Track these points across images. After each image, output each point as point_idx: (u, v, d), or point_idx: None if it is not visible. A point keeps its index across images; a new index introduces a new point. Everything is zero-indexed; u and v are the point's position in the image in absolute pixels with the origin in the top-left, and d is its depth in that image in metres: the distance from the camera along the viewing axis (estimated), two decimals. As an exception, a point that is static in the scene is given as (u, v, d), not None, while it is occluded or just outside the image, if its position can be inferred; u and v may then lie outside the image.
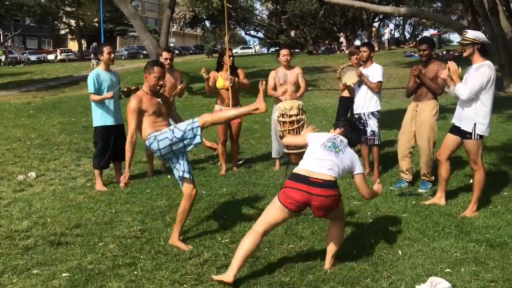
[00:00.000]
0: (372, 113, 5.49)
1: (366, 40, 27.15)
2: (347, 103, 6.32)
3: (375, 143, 5.50)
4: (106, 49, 5.50)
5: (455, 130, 4.33)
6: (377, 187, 3.39)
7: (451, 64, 4.24)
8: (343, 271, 3.19)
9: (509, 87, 12.37)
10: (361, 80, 5.41)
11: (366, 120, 5.52)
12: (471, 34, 4.14)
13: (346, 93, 6.24)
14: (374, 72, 5.45)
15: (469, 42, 4.13)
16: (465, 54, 4.21)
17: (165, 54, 5.90)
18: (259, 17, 40.80)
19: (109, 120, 5.50)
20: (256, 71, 18.74)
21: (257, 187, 5.19)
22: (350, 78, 5.48)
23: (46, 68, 27.61)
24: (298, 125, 5.60)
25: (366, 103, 5.51)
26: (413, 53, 23.03)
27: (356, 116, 5.63)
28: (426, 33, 46.19)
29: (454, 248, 3.51)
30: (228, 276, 2.97)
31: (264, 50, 50.36)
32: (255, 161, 6.66)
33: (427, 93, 4.97)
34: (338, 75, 5.60)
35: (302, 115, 5.68)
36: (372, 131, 5.48)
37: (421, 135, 4.98)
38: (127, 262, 3.38)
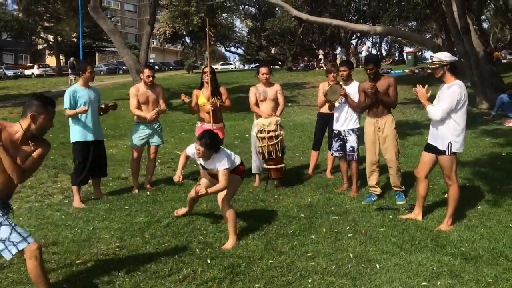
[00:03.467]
0: (352, 130, 5.60)
1: (344, 57, 27.73)
2: (325, 119, 6.42)
3: (354, 158, 5.59)
4: (89, 69, 5.50)
5: (430, 148, 4.45)
6: None
7: (419, 89, 4.39)
8: (322, 286, 3.21)
9: (482, 104, 12.75)
10: (345, 99, 5.52)
11: (345, 136, 5.62)
12: (437, 57, 4.31)
13: (324, 109, 6.34)
14: (354, 90, 5.56)
15: (437, 65, 4.29)
16: (437, 76, 4.36)
17: (146, 72, 5.91)
18: (239, 34, 41.19)
19: (89, 136, 5.46)
20: (236, 86, 18.86)
21: (237, 203, 5.20)
22: (334, 95, 5.58)
23: (23, 83, 27.19)
24: (277, 140, 5.69)
25: (346, 120, 5.61)
26: (389, 70, 23.59)
27: (336, 132, 5.72)
28: (405, 50, 47.34)
29: (430, 261, 3.58)
30: None
31: (242, 66, 50.71)
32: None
33: (383, 109, 5.18)
34: (324, 92, 5.68)
35: (280, 130, 5.77)
36: (351, 147, 5.58)
37: (388, 149, 5.16)
38: (105, 280, 3.33)
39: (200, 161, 4.10)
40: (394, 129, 5.19)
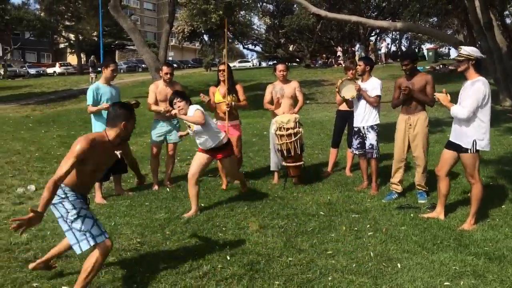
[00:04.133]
0: (371, 127, 5.54)
1: (363, 54, 27.44)
2: (344, 117, 6.38)
3: (374, 156, 5.54)
4: (111, 66, 5.60)
5: (451, 145, 4.38)
6: None
7: (439, 96, 4.34)
8: (343, 284, 3.20)
9: (505, 101, 12.47)
10: (360, 95, 5.47)
11: (365, 134, 5.56)
12: (466, 50, 4.21)
13: (343, 107, 6.29)
14: (372, 86, 5.51)
15: (464, 58, 4.19)
16: (459, 70, 4.28)
17: (165, 69, 5.96)
18: (257, 31, 41.11)
19: None
20: (253, 84, 18.86)
21: (256, 201, 5.20)
22: (348, 91, 5.54)
23: (45, 82, 27.73)
24: (296, 138, 5.67)
25: (365, 117, 5.56)
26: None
27: (355, 130, 5.67)
28: (423, 47, 46.63)
29: (453, 261, 3.52)
30: None
31: (263, 64, 50.67)
32: (253, 174, 6.69)
33: (417, 105, 5.08)
34: (337, 89, 5.66)
35: (299, 128, 5.75)
36: (371, 144, 5.52)
37: (418, 146, 5.07)
38: (126, 275, 3.38)
39: (189, 130, 4.84)
40: (426, 127, 5.09)
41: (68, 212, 3.02)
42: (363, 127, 5.57)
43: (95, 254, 2.98)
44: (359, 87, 5.42)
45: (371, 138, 5.52)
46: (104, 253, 3.00)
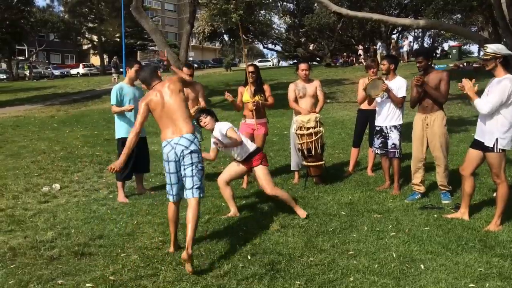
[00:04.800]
0: (395, 126, 5.46)
1: (385, 52, 27.10)
2: (366, 116, 6.31)
3: (396, 156, 5.46)
4: (135, 67, 5.64)
5: (477, 144, 4.28)
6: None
7: (465, 82, 4.21)
8: (364, 285, 3.16)
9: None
10: (388, 94, 5.39)
11: (388, 133, 5.49)
12: (492, 48, 4.10)
13: (364, 106, 6.22)
14: (398, 86, 5.43)
15: (490, 56, 4.09)
16: (488, 69, 4.17)
17: (185, 70, 6.00)
18: (277, 31, 41.07)
19: None
20: (274, 83, 18.85)
21: (276, 200, 5.19)
22: (375, 90, 5.46)
23: (69, 83, 28.28)
24: (316, 137, 5.63)
25: (388, 117, 5.48)
26: (432, 65, 22.83)
27: (378, 129, 5.61)
28: (446, 45, 45.80)
29: (478, 262, 3.45)
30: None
31: (283, 63, 50.59)
32: (274, 174, 6.68)
33: (433, 104, 4.99)
34: (364, 87, 5.59)
35: (319, 127, 5.71)
36: (393, 144, 5.45)
37: (436, 146, 4.98)
38: (149, 273, 3.42)
39: (216, 144, 4.64)
40: (444, 126, 4.99)
41: (199, 162, 3.66)
42: (386, 127, 5.50)
43: (197, 205, 3.64)
44: (387, 87, 5.35)
45: (394, 137, 5.45)
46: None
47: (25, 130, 11.88)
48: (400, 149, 5.52)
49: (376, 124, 5.64)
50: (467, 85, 4.20)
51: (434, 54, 34.62)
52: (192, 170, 3.62)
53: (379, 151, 5.64)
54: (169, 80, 3.75)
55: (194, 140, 3.65)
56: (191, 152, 3.61)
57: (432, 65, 5.31)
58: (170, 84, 3.72)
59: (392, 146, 5.46)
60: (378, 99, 5.53)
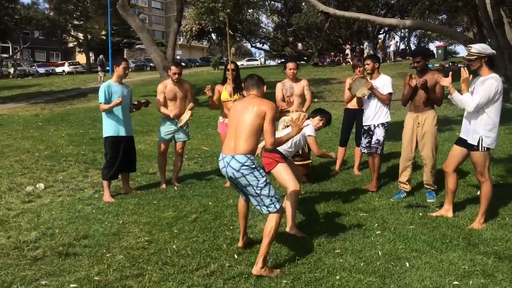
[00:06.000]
0: (382, 124, 5.50)
1: (371, 52, 27.26)
2: (352, 115, 6.35)
3: (377, 152, 5.49)
4: (123, 64, 5.60)
5: (462, 142, 4.33)
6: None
7: (464, 71, 4.21)
8: (350, 283, 3.18)
9: (516, 99, 12.33)
10: (372, 92, 5.42)
11: (374, 131, 5.52)
12: (476, 48, 4.15)
13: (351, 105, 6.26)
14: (383, 83, 5.47)
15: (475, 56, 4.14)
16: (473, 69, 4.20)
17: (173, 69, 5.95)
18: (265, 30, 41.06)
19: (121, 131, 5.56)
20: (262, 83, 18.81)
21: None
22: (360, 90, 5.49)
23: (54, 81, 27.93)
24: (304, 136, 5.63)
25: (376, 115, 5.52)
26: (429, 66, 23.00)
27: (365, 128, 5.63)
28: (432, 45, 46.30)
29: (462, 260, 3.49)
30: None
31: (271, 62, 50.60)
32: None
33: (426, 103, 5.02)
34: (349, 86, 5.62)
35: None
36: (377, 139, 5.48)
37: (426, 145, 5.02)
38: (134, 273, 3.39)
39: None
40: (435, 125, 5.04)
41: (259, 180, 3.36)
42: (373, 125, 5.53)
43: (276, 217, 3.38)
44: (371, 85, 5.38)
45: (379, 134, 5.48)
46: (281, 216, 3.45)
47: (8, 128, 11.69)
48: (383, 146, 5.56)
49: (364, 124, 5.67)
50: (465, 74, 4.18)
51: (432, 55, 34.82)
52: (252, 190, 3.38)
53: (366, 150, 5.68)
54: (265, 103, 3.41)
55: (246, 162, 3.33)
56: (243, 175, 3.35)
57: (429, 65, 5.32)
58: (262, 105, 3.38)
59: (376, 142, 5.49)
60: (365, 98, 5.56)
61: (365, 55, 26.57)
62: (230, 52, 6.66)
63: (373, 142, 5.51)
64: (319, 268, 3.42)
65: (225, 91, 5.95)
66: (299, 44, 37.68)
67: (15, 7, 39.04)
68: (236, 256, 3.65)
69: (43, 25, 44.34)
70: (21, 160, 7.70)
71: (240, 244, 3.86)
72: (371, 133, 5.56)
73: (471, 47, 4.19)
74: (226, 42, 38.50)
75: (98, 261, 3.62)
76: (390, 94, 5.46)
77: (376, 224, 4.33)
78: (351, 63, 7.21)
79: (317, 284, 3.19)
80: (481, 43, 4.32)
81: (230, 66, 5.87)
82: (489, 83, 4.06)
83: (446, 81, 4.39)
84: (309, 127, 4.53)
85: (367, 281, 3.21)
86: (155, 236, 4.17)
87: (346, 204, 4.99)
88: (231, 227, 4.35)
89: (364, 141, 5.66)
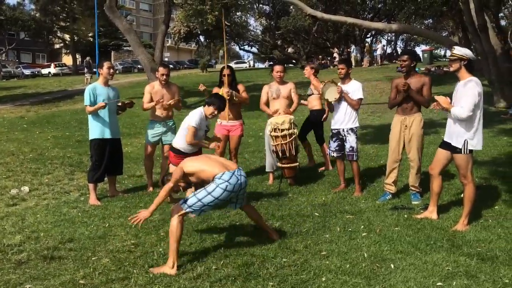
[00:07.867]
0: (351, 129, 5.51)
1: (359, 55, 27.50)
2: (315, 116, 6.81)
3: (354, 159, 5.52)
4: (106, 64, 5.57)
5: (446, 145, 4.40)
6: None
7: (440, 99, 4.31)
8: (336, 285, 3.20)
9: (499, 102, 12.53)
10: (343, 97, 5.46)
11: (345, 136, 5.54)
12: (459, 50, 4.25)
13: (315, 107, 6.83)
14: (354, 89, 5.50)
15: (456, 58, 4.23)
16: (451, 69, 4.33)
17: (161, 70, 5.94)
18: (253, 33, 41.13)
19: (107, 133, 5.53)
20: (250, 85, 18.86)
21: (251, 202, 5.20)
22: (331, 94, 5.52)
23: (40, 82, 27.60)
24: (290, 139, 5.68)
25: (345, 119, 5.52)
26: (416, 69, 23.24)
27: (334, 132, 5.65)
28: (418, 49, 46.81)
29: (446, 261, 3.54)
30: None
31: (260, 65, 50.69)
32: (249, 175, 6.68)
33: (413, 106, 5.08)
34: (319, 91, 5.69)
35: (294, 129, 5.76)
36: (351, 147, 5.50)
37: (413, 148, 5.08)
38: (120, 277, 3.37)
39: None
40: (422, 128, 5.09)
41: None
42: (343, 130, 5.55)
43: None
44: (341, 90, 5.42)
45: (351, 140, 5.50)
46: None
47: (-7, 131, 11.53)
48: (357, 152, 5.59)
49: (332, 127, 5.68)
50: (441, 100, 4.31)
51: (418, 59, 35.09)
52: (244, 193, 3.97)
53: (335, 154, 5.67)
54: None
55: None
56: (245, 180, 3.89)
57: (416, 68, 5.38)
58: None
59: (350, 149, 5.50)
60: (334, 103, 5.56)
61: (352, 58, 26.83)
62: (226, 55, 6.68)
63: (347, 150, 5.52)
64: (305, 270, 3.44)
65: (221, 93, 5.95)
66: (288, 47, 37.81)
67: (0, 8, 38.52)
68: (223, 259, 3.65)
69: (29, 26, 43.79)
70: (5, 163, 7.60)
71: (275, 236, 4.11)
72: (341, 137, 5.58)
73: (454, 48, 4.29)
74: (215, 45, 38.51)
75: (84, 265, 3.60)
76: (360, 99, 5.50)
77: (362, 226, 4.37)
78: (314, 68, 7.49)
79: (303, 286, 3.21)
80: (466, 48, 4.40)
81: (226, 72, 5.87)
82: (471, 86, 4.14)
83: (442, 102, 4.38)
84: (193, 117, 4.85)
85: (353, 282, 3.24)
86: (141, 239, 4.16)
87: (333, 206, 5.02)
88: (218, 230, 4.36)
89: (333, 145, 5.64)
